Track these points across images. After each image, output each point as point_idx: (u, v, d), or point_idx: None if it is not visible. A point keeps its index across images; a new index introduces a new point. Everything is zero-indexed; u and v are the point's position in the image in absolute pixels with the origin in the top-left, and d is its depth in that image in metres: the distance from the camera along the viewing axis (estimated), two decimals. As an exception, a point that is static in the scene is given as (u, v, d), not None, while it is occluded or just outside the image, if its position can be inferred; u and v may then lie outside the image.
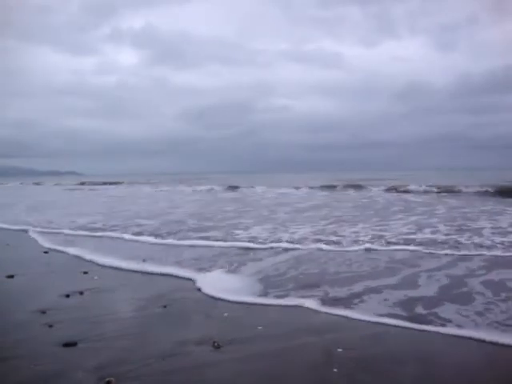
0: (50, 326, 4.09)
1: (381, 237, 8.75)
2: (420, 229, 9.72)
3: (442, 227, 9.84)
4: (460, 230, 9.30)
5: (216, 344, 3.58)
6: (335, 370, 3.15)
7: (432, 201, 17.94)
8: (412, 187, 24.66)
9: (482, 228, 9.55)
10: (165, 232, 10.16)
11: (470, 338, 3.67)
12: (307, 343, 3.64)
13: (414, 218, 11.72)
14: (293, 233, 9.57)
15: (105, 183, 50.49)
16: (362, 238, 8.60)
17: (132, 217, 13.62)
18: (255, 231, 9.94)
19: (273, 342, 3.70)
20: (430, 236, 8.74)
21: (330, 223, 11.01)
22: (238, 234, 9.52)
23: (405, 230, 9.64)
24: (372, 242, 8.15)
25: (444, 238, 8.49)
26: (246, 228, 10.49)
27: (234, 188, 32.22)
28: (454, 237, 8.53)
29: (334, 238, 8.68)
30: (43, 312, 4.50)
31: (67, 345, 3.64)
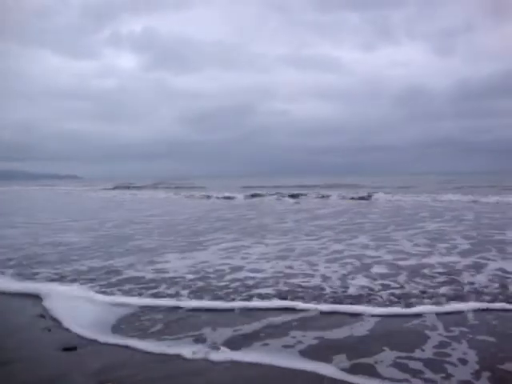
0: (50, 330, 4.07)
1: (362, 259, 7.11)
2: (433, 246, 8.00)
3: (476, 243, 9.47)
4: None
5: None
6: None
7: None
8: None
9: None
10: (56, 259, 7.27)
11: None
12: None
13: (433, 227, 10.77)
14: (246, 257, 7.28)
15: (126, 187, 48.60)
16: (326, 265, 6.62)
17: (69, 229, 11.05)
18: (204, 254, 7.48)
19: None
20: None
21: (328, 235, 9.81)
22: (155, 263, 6.84)
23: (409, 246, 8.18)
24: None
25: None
26: (205, 247, 8.20)
27: (252, 195, 28.90)
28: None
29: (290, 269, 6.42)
30: (42, 316, 4.47)
31: (67, 349, 3.61)
